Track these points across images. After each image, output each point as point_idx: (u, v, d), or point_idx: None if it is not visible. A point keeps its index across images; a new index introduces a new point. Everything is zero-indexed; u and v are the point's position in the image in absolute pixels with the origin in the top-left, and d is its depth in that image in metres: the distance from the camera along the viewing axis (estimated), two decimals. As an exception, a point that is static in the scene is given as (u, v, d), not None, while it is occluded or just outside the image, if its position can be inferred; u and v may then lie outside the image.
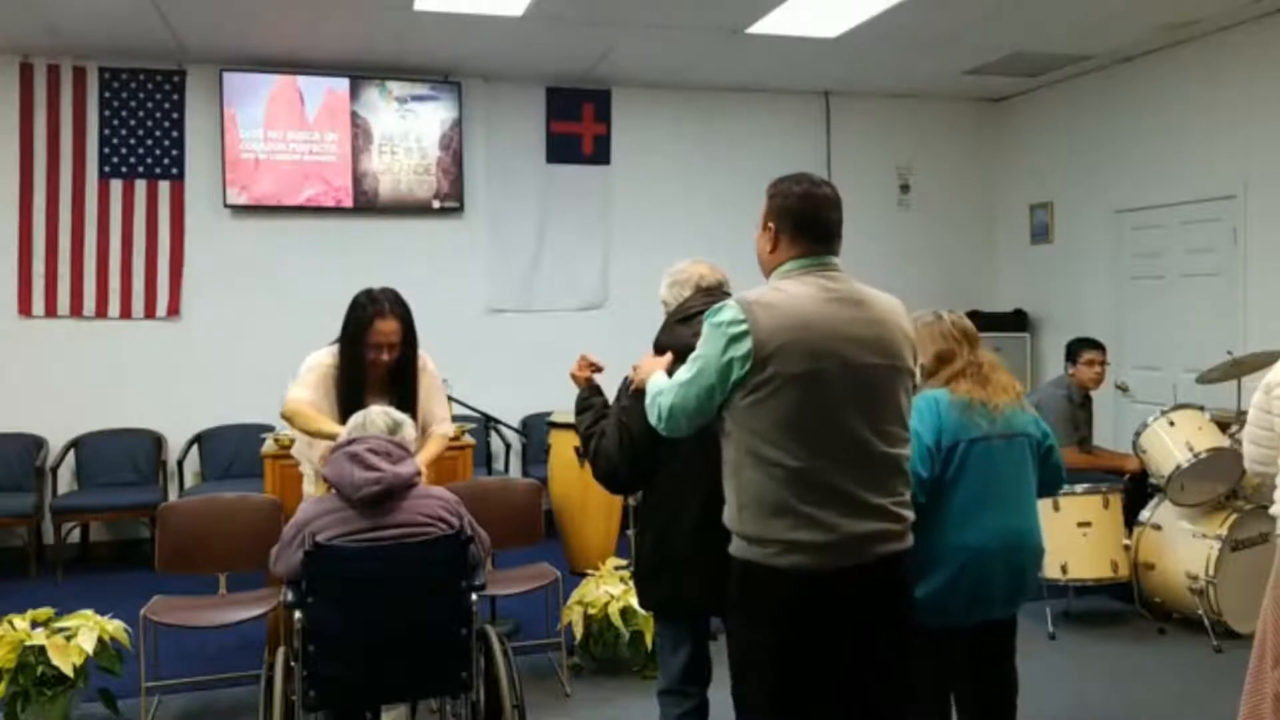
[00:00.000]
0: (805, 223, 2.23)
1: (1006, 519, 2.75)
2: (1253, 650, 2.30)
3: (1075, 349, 5.32)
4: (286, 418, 3.47)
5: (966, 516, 2.70)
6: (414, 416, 3.38)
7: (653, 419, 2.30)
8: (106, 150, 6.39)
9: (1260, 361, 4.78)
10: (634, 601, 3.91)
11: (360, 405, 3.25)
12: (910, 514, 2.24)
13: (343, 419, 3.23)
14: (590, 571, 4.58)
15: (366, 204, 6.79)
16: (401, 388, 3.55)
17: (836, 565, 2.10)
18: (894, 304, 2.28)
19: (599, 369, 2.95)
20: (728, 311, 2.13)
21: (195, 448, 6.49)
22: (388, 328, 3.49)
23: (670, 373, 2.38)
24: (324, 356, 3.57)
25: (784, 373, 2.08)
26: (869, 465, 2.14)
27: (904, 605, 2.27)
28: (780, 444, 2.09)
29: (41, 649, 3.57)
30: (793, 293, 2.16)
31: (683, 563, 2.64)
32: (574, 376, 2.95)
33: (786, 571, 2.10)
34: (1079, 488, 4.75)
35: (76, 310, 6.37)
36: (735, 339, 2.10)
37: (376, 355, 3.50)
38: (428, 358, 3.72)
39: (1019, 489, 2.81)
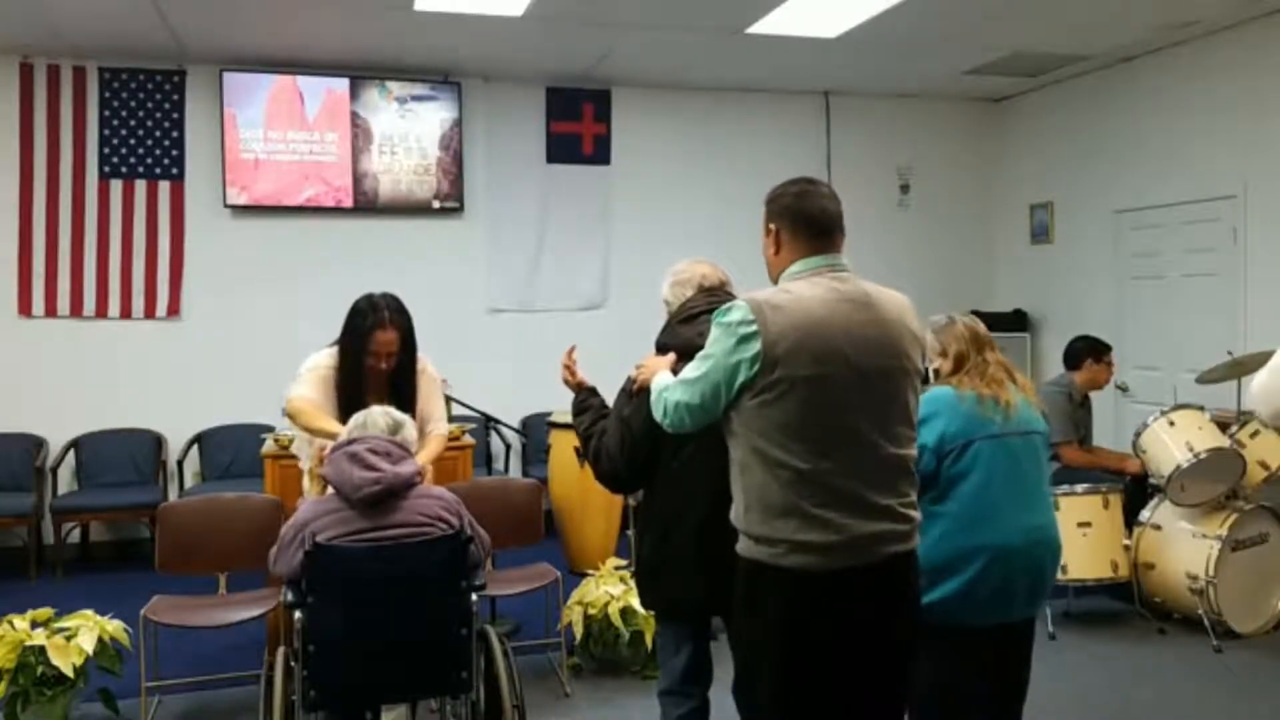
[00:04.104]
0: (804, 219, 2.23)
1: (1028, 516, 2.73)
2: None
3: (1098, 349, 5.28)
4: (290, 415, 3.48)
5: (988, 514, 2.67)
6: (413, 419, 3.38)
7: (658, 415, 2.30)
8: (106, 150, 6.39)
9: (1260, 361, 4.77)
10: (634, 601, 3.93)
11: (360, 408, 3.24)
12: (917, 514, 2.22)
13: (343, 422, 3.23)
14: (590, 571, 4.58)
15: (366, 204, 6.79)
16: (401, 392, 3.55)
17: (843, 565, 2.09)
18: (902, 303, 2.27)
19: (571, 363, 2.95)
20: (737, 312, 2.12)
21: (195, 448, 6.49)
22: (387, 338, 3.50)
23: (675, 372, 2.37)
24: (324, 359, 3.58)
25: (792, 375, 2.07)
26: (876, 466, 2.14)
27: (911, 606, 2.26)
28: (787, 446, 2.08)
29: (41, 649, 3.57)
30: (801, 294, 2.15)
31: (685, 563, 2.63)
32: (566, 382, 2.96)
33: (793, 571, 2.09)
34: (1079, 488, 4.75)
35: (76, 310, 6.36)
36: (744, 340, 2.09)
37: (376, 363, 3.51)
38: (427, 360, 3.72)
39: (1037, 485, 2.80)
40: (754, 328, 2.08)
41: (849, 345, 2.12)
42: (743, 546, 2.18)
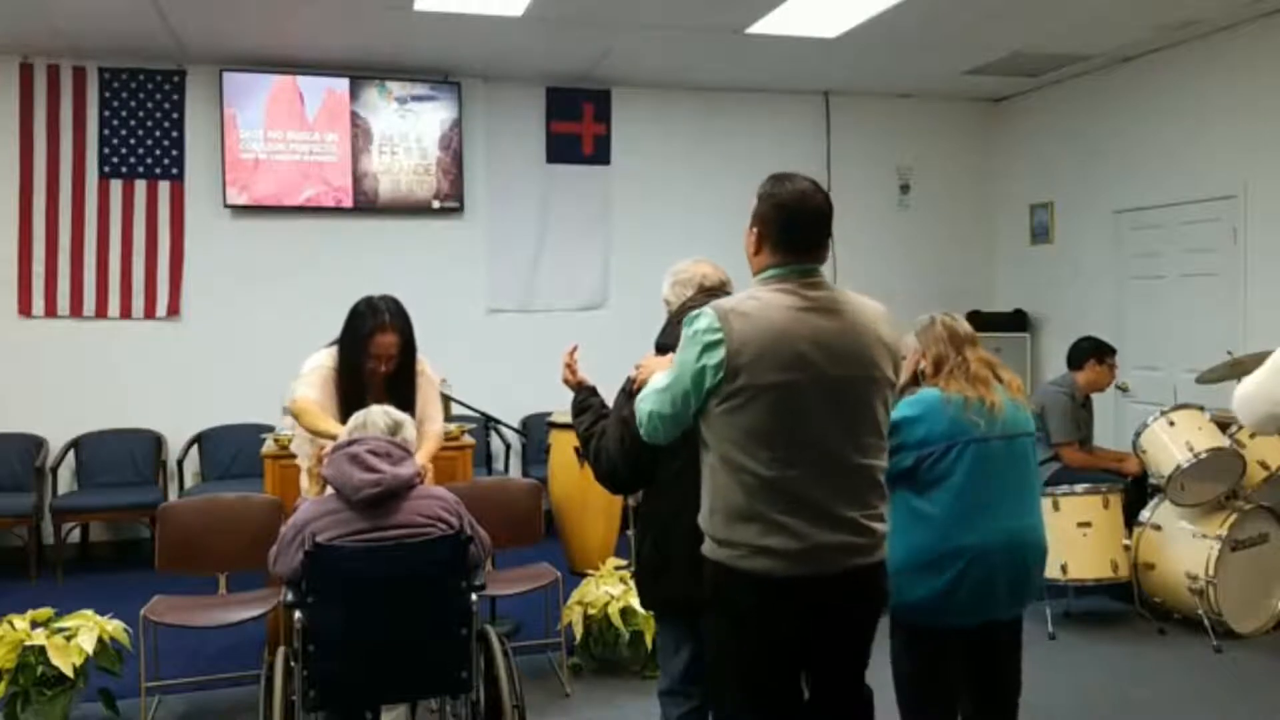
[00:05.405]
0: (788, 233, 2.20)
1: (1008, 519, 2.75)
2: None
3: (1102, 351, 5.28)
4: (294, 414, 3.49)
5: (967, 517, 2.69)
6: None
7: (638, 423, 2.31)
8: (106, 150, 6.39)
9: (1259, 362, 4.77)
10: (634, 601, 3.93)
11: (360, 408, 3.24)
12: (883, 527, 2.22)
13: (343, 422, 3.24)
14: (590, 571, 4.58)
15: (366, 204, 6.79)
16: (400, 394, 3.55)
17: (804, 573, 2.10)
18: (874, 312, 2.25)
19: (572, 362, 2.94)
20: (703, 319, 2.12)
21: (195, 448, 6.49)
22: (387, 341, 3.51)
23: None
24: (325, 358, 3.59)
25: (756, 383, 2.08)
26: (842, 477, 2.14)
27: (871, 618, 2.26)
28: (752, 453, 2.09)
29: (41, 649, 3.58)
30: (768, 302, 2.15)
31: (684, 562, 2.62)
32: (566, 382, 2.95)
33: (754, 575, 2.10)
34: (1079, 488, 4.75)
35: (76, 310, 6.36)
36: (709, 347, 2.10)
37: (376, 366, 3.52)
38: (424, 361, 3.73)
39: (1021, 489, 2.81)
40: (719, 335, 2.09)
41: (816, 353, 2.11)
42: (707, 548, 2.20)
